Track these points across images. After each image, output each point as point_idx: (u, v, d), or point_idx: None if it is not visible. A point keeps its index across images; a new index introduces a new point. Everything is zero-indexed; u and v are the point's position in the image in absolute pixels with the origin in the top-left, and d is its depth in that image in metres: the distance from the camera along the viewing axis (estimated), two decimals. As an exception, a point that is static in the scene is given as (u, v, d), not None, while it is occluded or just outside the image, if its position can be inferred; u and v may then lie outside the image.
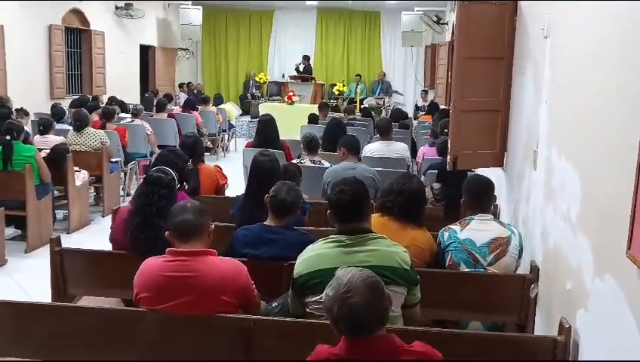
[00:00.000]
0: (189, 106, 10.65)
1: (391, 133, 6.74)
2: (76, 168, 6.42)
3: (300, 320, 2.61)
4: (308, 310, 2.62)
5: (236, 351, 2.58)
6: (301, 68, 15.91)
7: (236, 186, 5.46)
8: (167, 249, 2.62)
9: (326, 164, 5.61)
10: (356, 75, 16.70)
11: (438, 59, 13.55)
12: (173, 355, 2.60)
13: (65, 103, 9.66)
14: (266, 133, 6.34)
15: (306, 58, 16.30)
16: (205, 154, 6.61)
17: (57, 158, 6.14)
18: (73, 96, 10.85)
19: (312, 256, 2.62)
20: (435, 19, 13.37)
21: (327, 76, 17.27)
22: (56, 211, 6.39)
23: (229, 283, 2.59)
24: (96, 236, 6.05)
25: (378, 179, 5.00)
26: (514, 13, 4.41)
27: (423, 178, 5.27)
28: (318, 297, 2.42)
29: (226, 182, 5.10)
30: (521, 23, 4.31)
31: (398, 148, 6.45)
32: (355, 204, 2.62)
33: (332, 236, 2.64)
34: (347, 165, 5.03)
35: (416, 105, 15.42)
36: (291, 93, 13.66)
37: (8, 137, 5.61)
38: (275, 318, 2.67)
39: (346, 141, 5.27)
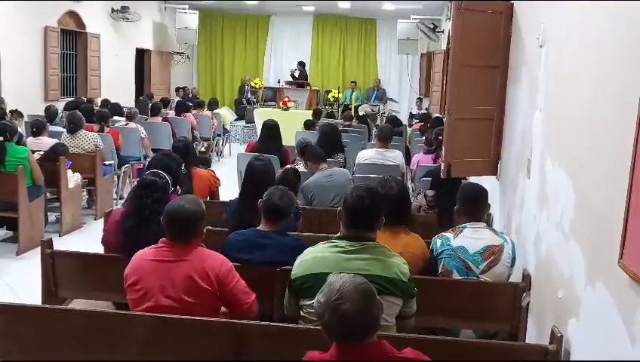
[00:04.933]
0: (182, 109, 10.64)
1: (390, 141, 6.75)
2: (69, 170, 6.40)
3: (291, 325, 2.61)
4: (302, 313, 2.61)
5: (227, 355, 2.57)
6: (296, 74, 15.93)
7: (230, 191, 5.45)
8: (161, 239, 2.72)
9: (320, 169, 5.60)
10: (351, 82, 16.71)
11: (433, 67, 13.59)
12: (163, 358, 2.59)
13: (59, 105, 9.61)
14: (270, 139, 6.37)
15: (301, 64, 16.33)
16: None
17: (54, 157, 6.14)
18: (68, 99, 10.81)
19: (310, 259, 2.61)
20: (431, 26, 13.41)
21: (323, 82, 17.30)
22: (48, 213, 6.36)
23: (208, 269, 2.63)
24: (88, 239, 6.02)
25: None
26: (509, 22, 4.43)
27: (415, 185, 5.27)
28: (312, 301, 2.41)
29: (220, 184, 5.10)
30: (517, 32, 4.33)
31: (393, 156, 6.46)
32: (368, 213, 2.59)
33: (333, 240, 2.63)
34: (325, 173, 5.05)
35: (410, 112, 15.45)
36: (286, 99, 13.67)
37: (1, 138, 5.58)
38: (267, 323, 2.66)
39: (310, 154, 5.31)
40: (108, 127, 7.89)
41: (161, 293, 2.61)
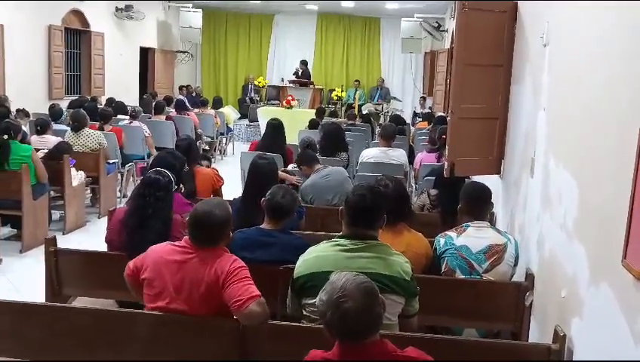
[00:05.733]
0: (181, 108, 10.64)
1: (393, 140, 6.75)
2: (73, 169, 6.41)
3: (293, 324, 2.61)
4: (305, 312, 2.61)
5: (231, 355, 2.57)
6: (299, 73, 15.92)
7: (233, 189, 5.46)
8: (184, 238, 2.68)
9: (323, 168, 5.60)
10: (355, 81, 16.70)
11: (437, 66, 13.57)
12: (167, 357, 2.59)
13: (63, 104, 9.64)
14: (274, 138, 6.37)
15: (304, 63, 16.30)
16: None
17: (58, 155, 6.16)
18: (72, 97, 10.84)
19: (312, 258, 2.61)
20: (435, 25, 13.40)
21: (326, 81, 17.26)
22: (52, 211, 6.38)
23: (219, 271, 2.56)
24: (91, 237, 6.04)
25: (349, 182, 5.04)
26: (513, 21, 4.42)
27: (418, 184, 5.26)
28: (314, 300, 2.41)
29: (223, 183, 5.10)
30: (521, 31, 4.32)
31: (396, 155, 6.46)
32: (369, 212, 2.59)
33: (335, 239, 2.63)
34: (321, 174, 5.02)
35: (414, 111, 15.43)
36: (290, 98, 13.67)
37: (5, 136, 5.60)
38: (270, 322, 2.66)
39: (302, 158, 5.28)
40: (109, 125, 7.89)
41: (175, 294, 2.57)
